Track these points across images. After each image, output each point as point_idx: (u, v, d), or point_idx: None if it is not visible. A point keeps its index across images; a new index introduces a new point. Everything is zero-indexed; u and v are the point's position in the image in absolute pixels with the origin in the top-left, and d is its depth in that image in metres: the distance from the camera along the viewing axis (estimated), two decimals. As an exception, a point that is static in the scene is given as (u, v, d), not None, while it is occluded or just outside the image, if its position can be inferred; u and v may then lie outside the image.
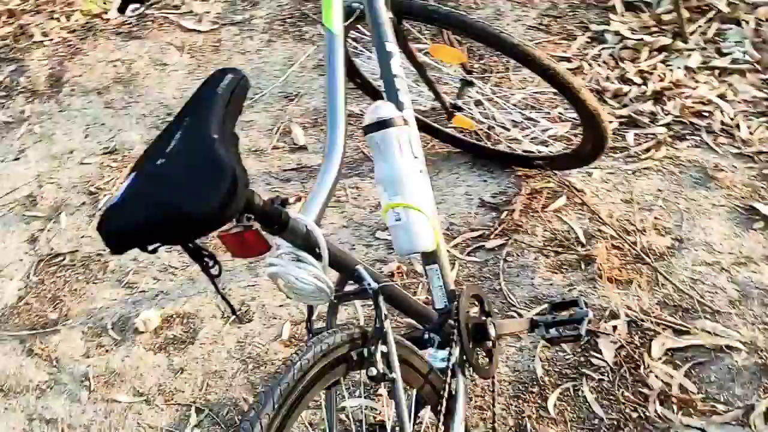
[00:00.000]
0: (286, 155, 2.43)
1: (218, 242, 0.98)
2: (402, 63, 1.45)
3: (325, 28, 1.29)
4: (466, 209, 2.10)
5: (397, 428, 1.07)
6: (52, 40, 3.01)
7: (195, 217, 0.80)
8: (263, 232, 0.95)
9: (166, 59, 2.82)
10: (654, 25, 2.53)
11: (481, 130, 2.17)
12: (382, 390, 1.68)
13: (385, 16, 1.43)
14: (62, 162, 2.57)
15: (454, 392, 1.28)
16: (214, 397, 1.83)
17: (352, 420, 1.63)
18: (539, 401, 1.65)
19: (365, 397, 1.72)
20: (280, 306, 1.99)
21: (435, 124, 2.23)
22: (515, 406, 1.66)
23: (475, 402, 1.68)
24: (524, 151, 2.15)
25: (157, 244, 0.86)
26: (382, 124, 1.32)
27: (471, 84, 1.93)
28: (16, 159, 2.62)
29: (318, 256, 1.04)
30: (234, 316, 1.12)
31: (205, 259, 0.91)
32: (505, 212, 2.05)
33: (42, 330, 2.07)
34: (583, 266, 1.87)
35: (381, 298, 1.08)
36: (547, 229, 1.98)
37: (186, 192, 0.81)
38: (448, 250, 1.99)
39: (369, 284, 1.09)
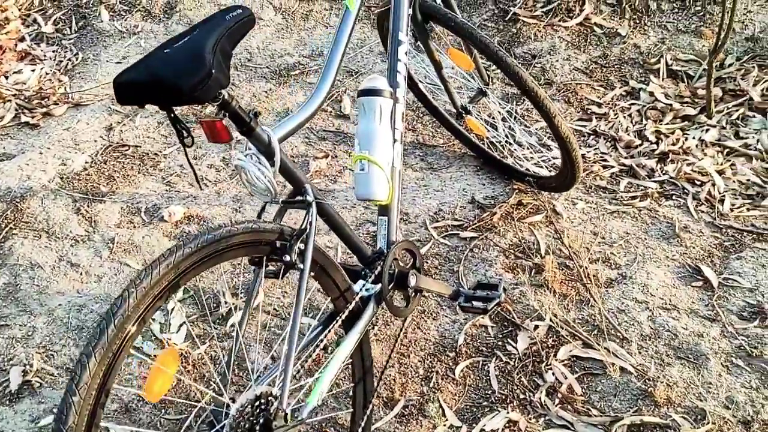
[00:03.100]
0: (330, 119, 2.79)
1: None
2: (409, 51, 1.77)
3: (345, 6, 1.63)
4: (457, 201, 2.40)
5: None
6: (178, -25, 3.50)
7: (170, 88, 1.15)
8: (231, 130, 1.30)
9: (262, 14, 3.24)
10: (688, 96, 2.74)
11: (489, 140, 2.45)
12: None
13: (405, 11, 1.76)
14: (153, 75, 3.03)
15: (360, 313, 1.60)
16: (203, 285, 2.21)
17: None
18: (450, 364, 1.94)
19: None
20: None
21: (460, 128, 2.53)
22: (429, 362, 1.95)
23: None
24: (524, 168, 2.42)
25: (148, 103, 1.22)
26: (372, 92, 1.66)
27: (485, 94, 2.22)
28: (119, 62, 3.10)
29: (274, 164, 1.38)
30: (197, 184, 1.47)
31: (182, 129, 1.27)
32: (488, 213, 2.34)
33: (92, 197, 2.51)
34: (532, 273, 2.14)
35: (313, 210, 1.41)
36: (517, 236, 2.25)
37: (172, 71, 1.17)
38: (430, 228, 2.30)
39: (306, 198, 1.42)
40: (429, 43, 2.06)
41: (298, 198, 1.45)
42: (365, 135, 1.65)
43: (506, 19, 3.02)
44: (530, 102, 1.98)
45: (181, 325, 2.07)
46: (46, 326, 2.12)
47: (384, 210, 1.72)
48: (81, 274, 2.27)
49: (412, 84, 2.37)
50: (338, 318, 1.54)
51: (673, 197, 2.37)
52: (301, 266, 1.37)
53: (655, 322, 1.97)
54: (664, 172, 2.47)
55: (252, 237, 1.33)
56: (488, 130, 2.42)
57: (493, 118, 2.48)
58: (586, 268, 2.13)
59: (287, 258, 1.37)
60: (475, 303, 1.77)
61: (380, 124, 1.65)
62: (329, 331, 1.54)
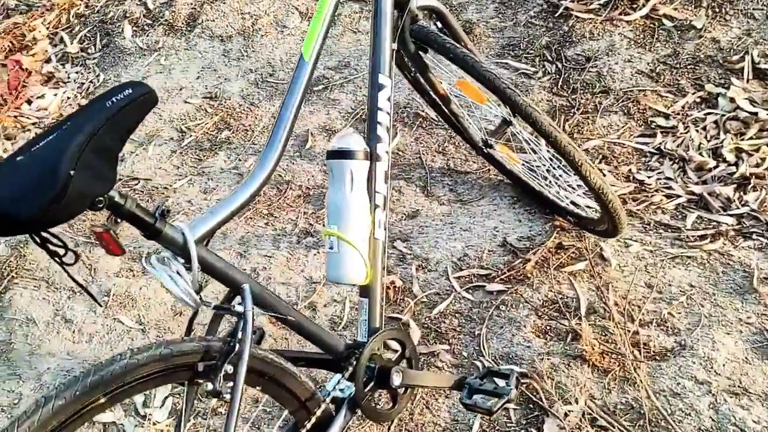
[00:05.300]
0: (352, 141, 2.49)
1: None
2: (391, 97, 1.44)
3: (301, 55, 1.32)
4: (486, 244, 2.06)
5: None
6: (205, -19, 3.27)
7: (9, 217, 0.90)
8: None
9: (287, 22, 2.96)
10: (780, 101, 2.24)
11: (529, 165, 2.08)
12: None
13: (387, 47, 1.43)
14: (171, 96, 2.83)
15: (330, 421, 1.32)
16: (195, 347, 1.99)
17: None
18: (461, 458, 1.64)
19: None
20: (283, 283, 2.11)
21: (493, 153, 2.16)
22: (436, 454, 1.65)
23: (404, 435, 1.69)
24: (564, 203, 2.03)
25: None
26: (342, 154, 1.36)
27: (510, 123, 1.85)
28: (138, 83, 2.92)
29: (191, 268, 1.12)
30: (96, 302, 1.24)
31: (56, 248, 1.03)
32: (521, 260, 1.99)
33: (94, 241, 2.35)
34: (568, 339, 1.78)
35: (247, 322, 1.13)
36: (552, 290, 1.90)
37: (18, 191, 0.92)
38: (452, 279, 1.98)
39: (234, 306, 1.15)
40: (429, 75, 1.72)
41: (234, 304, 1.18)
42: (334, 207, 1.36)
43: (556, 15, 2.60)
44: (551, 147, 1.60)
45: (166, 398, 1.87)
46: (33, 393, 1.98)
47: (365, 290, 1.43)
48: (73, 332, 2.11)
49: (444, 100, 1.96)
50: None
51: (753, 236, 1.93)
52: (228, 396, 1.11)
53: (719, 411, 1.58)
54: (743, 202, 2.02)
55: (163, 365, 1.08)
56: (523, 154, 2.04)
57: (532, 140, 2.10)
58: (636, 333, 1.76)
59: (210, 387, 1.11)
60: (479, 399, 1.45)
61: (351, 193, 1.35)
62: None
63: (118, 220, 1.05)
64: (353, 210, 1.35)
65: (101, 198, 0.99)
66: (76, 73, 3.10)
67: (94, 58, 3.12)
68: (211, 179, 2.49)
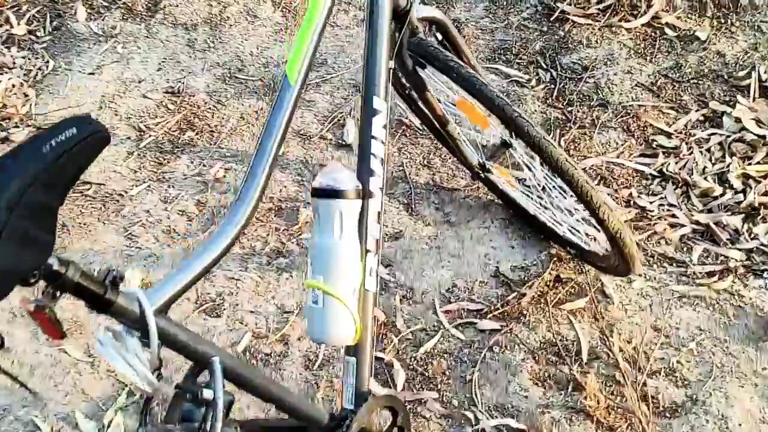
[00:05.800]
0: (329, 149, 2.29)
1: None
2: (387, 124, 1.24)
3: (285, 76, 1.11)
4: (477, 274, 1.88)
5: None
6: (169, -40, 2.99)
7: None
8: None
9: (258, 11, 2.71)
10: (789, 123, 2.11)
11: (523, 186, 1.90)
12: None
13: (383, 67, 1.23)
14: (129, 89, 2.57)
15: None
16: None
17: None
18: None
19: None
20: (252, 312, 1.90)
21: (488, 175, 1.97)
22: None
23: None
24: (561, 230, 1.86)
25: None
26: (329, 193, 1.16)
27: (510, 146, 1.66)
28: (91, 74, 2.65)
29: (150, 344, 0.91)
30: (31, 393, 1.03)
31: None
32: (516, 294, 1.81)
33: (38, 255, 2.10)
34: (569, 389, 1.62)
35: (217, 411, 0.93)
36: (551, 330, 1.73)
37: None
38: (440, 313, 1.80)
39: (202, 391, 0.94)
40: (427, 95, 1.52)
41: (200, 388, 0.97)
42: (319, 254, 1.16)
43: (551, 18, 2.41)
44: (564, 184, 1.42)
45: (118, 447, 1.66)
46: (-37, 435, 1.74)
47: (352, 349, 1.23)
48: (13, 362, 1.87)
49: (442, 121, 1.75)
50: None
51: (765, 274, 1.79)
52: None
53: (736, 479, 1.44)
54: (753, 235, 1.88)
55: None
56: (520, 172, 1.87)
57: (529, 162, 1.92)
58: (644, 385, 1.60)
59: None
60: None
61: (340, 239, 1.15)
62: None
63: (58, 294, 0.83)
64: (342, 258, 1.15)
65: (35, 272, 0.77)
66: (23, 58, 2.79)
67: (43, 43, 2.82)
68: (172, 186, 2.25)
